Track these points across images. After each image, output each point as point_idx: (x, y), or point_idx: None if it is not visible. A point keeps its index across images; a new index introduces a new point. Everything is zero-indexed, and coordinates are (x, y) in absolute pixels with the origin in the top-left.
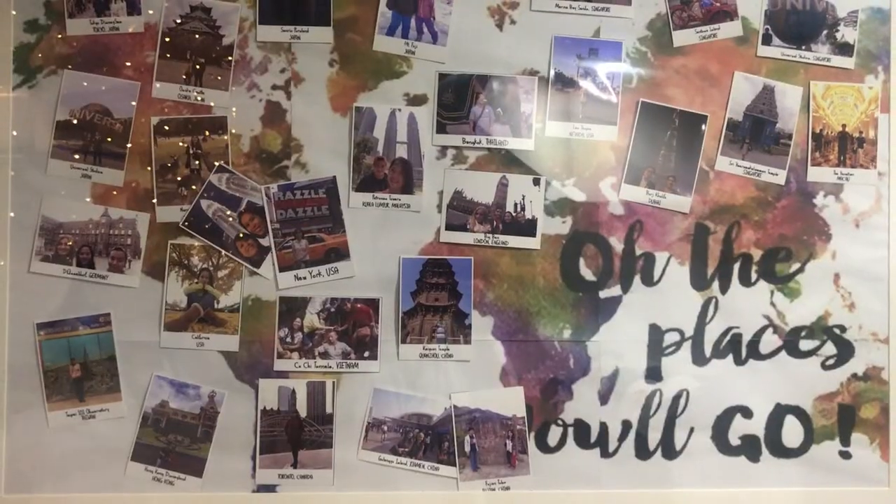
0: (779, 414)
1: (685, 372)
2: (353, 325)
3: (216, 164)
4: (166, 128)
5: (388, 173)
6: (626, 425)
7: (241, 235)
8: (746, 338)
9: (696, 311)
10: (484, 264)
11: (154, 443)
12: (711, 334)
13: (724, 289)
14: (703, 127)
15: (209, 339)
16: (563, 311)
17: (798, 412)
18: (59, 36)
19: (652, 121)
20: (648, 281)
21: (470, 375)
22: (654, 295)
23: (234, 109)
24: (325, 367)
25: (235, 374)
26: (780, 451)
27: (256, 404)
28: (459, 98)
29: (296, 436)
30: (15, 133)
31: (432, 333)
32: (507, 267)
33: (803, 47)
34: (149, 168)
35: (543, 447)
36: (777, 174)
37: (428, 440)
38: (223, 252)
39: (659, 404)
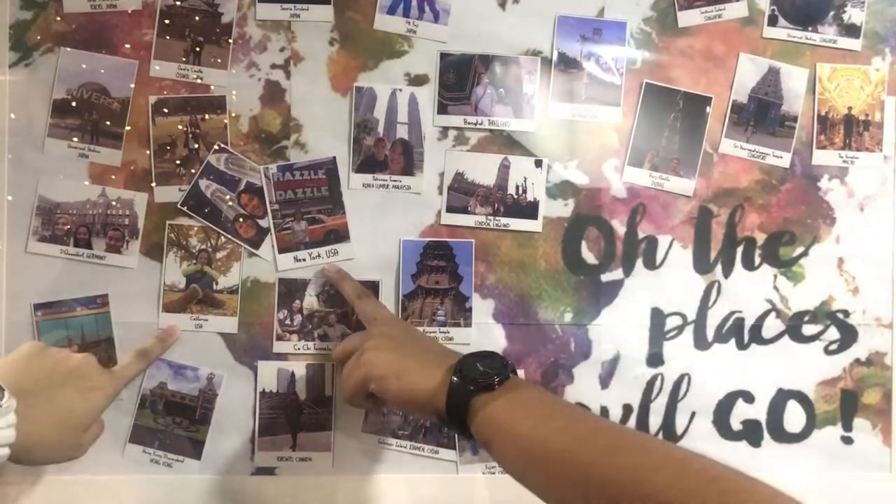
0: (781, 399)
1: (687, 356)
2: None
3: (215, 144)
4: (164, 108)
5: (388, 154)
6: (628, 409)
7: (240, 217)
8: (749, 322)
9: (699, 295)
10: (485, 247)
11: (152, 425)
12: (714, 318)
13: (726, 273)
14: (708, 109)
15: (208, 320)
16: (564, 295)
17: (800, 397)
18: (57, 14)
19: (656, 102)
20: (651, 264)
21: None
22: (656, 279)
23: (233, 90)
24: (325, 349)
25: (234, 356)
26: (782, 436)
27: (255, 386)
28: (461, 78)
29: (295, 418)
30: (13, 116)
31: (433, 316)
32: (509, 250)
33: (809, 28)
34: (147, 148)
35: None
36: (782, 157)
37: (428, 423)
38: (222, 233)
39: (660, 388)
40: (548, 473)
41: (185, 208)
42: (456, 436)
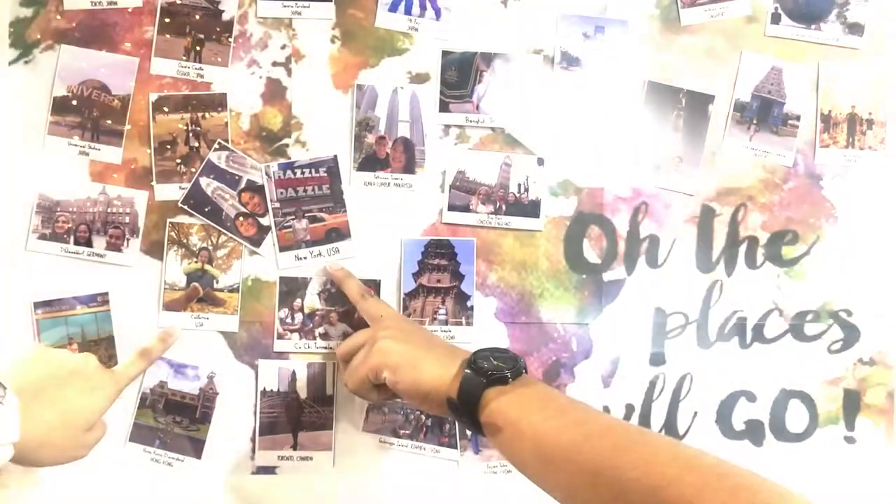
0: (783, 398)
1: (689, 355)
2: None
3: (216, 142)
4: (165, 106)
5: (389, 152)
6: (629, 408)
7: (241, 215)
8: (752, 321)
9: (701, 295)
10: (486, 246)
11: (152, 424)
12: (716, 318)
13: (729, 272)
14: (711, 107)
15: (208, 318)
16: (566, 294)
17: (803, 397)
18: (57, 11)
19: (658, 101)
20: (653, 263)
21: None
22: (658, 277)
23: (233, 87)
24: (326, 348)
25: (235, 355)
26: (785, 435)
27: (256, 385)
28: (463, 76)
29: (295, 417)
30: (13, 114)
31: (434, 315)
32: (510, 248)
33: (813, 27)
34: (147, 146)
35: None
36: (784, 156)
37: (429, 422)
38: (222, 231)
39: (662, 388)
40: (556, 466)
41: (185, 206)
42: (457, 435)
